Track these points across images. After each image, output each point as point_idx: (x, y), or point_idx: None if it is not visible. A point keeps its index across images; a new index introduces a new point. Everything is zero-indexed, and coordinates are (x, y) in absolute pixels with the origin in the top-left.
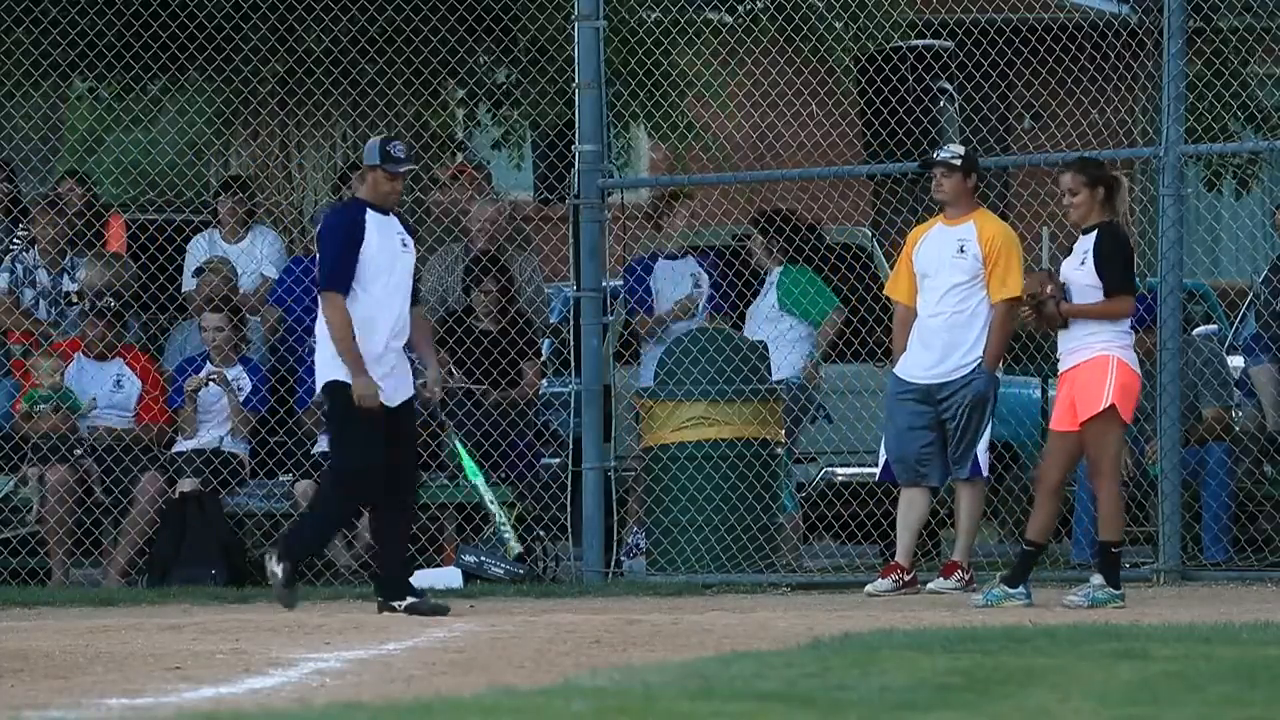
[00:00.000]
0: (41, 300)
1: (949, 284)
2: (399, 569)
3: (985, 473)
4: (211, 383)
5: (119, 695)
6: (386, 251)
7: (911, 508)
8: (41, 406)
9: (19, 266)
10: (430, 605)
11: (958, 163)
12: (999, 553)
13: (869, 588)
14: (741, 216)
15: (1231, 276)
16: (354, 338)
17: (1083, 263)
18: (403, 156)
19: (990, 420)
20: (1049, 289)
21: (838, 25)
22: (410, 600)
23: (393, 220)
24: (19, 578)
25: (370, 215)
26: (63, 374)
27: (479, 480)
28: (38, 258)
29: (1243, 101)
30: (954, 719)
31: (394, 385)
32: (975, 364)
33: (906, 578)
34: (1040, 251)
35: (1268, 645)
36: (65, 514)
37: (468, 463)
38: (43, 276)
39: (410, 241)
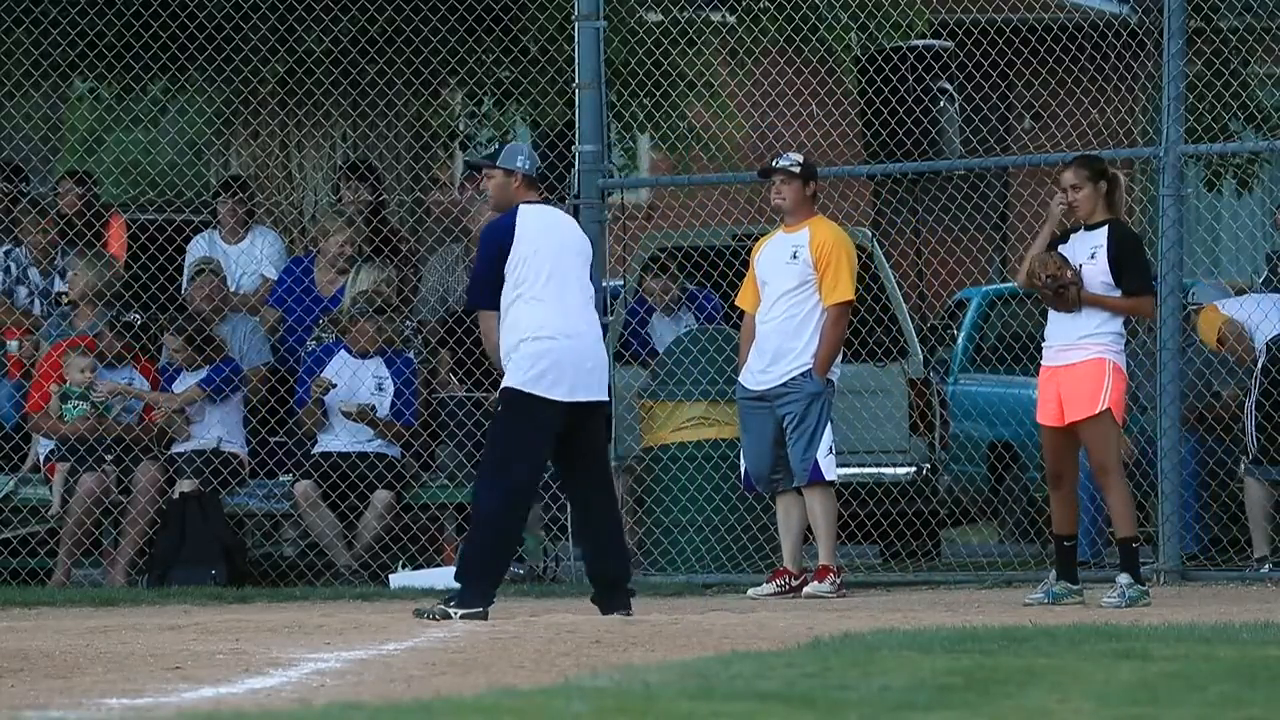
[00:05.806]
0: (37, 298)
1: (780, 290)
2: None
3: (829, 476)
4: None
5: (119, 695)
6: None
7: (789, 514)
8: (79, 404)
9: (12, 265)
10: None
11: (796, 170)
12: (999, 553)
13: (751, 591)
14: (741, 216)
15: (1231, 276)
16: None
17: (1093, 257)
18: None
19: (826, 424)
20: (1069, 274)
21: (838, 25)
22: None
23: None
24: (19, 578)
25: None
26: (95, 372)
27: None
28: (28, 256)
29: (1243, 101)
30: (954, 719)
31: None
32: (805, 368)
33: (795, 582)
34: None
35: (1268, 645)
36: (85, 514)
37: None
38: (34, 275)
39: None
